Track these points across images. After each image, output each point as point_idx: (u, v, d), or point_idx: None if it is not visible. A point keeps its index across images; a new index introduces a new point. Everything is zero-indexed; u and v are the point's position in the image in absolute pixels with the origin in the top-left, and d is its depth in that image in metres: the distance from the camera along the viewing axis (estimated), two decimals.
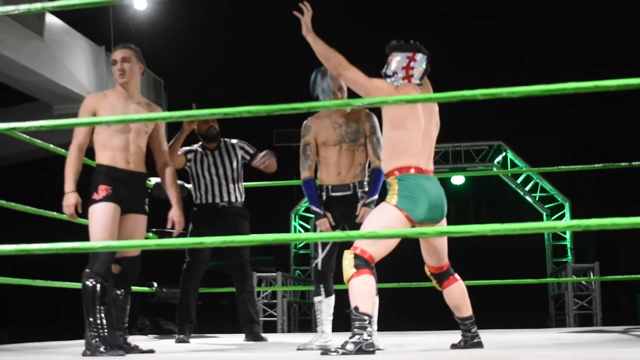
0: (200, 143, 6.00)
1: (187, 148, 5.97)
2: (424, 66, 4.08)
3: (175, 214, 4.54)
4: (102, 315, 4.19)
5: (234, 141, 6.03)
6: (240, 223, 5.90)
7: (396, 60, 4.05)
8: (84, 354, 4.12)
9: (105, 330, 4.18)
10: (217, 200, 5.89)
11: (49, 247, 2.69)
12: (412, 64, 4.04)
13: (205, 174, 5.90)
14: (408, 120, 3.97)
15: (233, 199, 5.91)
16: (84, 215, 4.35)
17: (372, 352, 3.67)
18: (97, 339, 4.11)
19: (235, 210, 5.92)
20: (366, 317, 3.68)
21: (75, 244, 2.87)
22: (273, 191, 9.31)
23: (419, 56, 4.06)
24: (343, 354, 3.62)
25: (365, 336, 3.64)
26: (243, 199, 5.99)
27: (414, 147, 3.97)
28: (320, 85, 4.70)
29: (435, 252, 4.13)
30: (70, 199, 4.28)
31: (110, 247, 3.98)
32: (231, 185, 5.91)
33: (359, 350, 3.63)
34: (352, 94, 4.48)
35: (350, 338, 3.66)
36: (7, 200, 5.32)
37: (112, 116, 4.31)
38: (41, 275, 5.79)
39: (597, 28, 14.74)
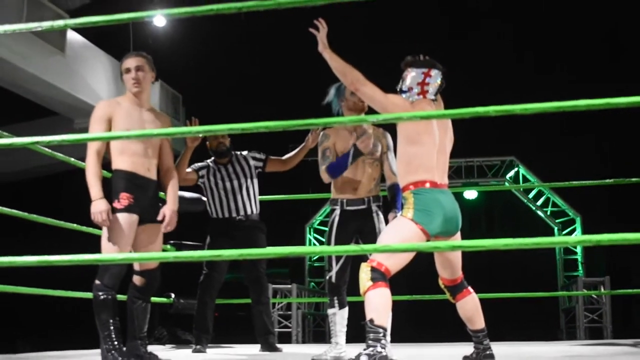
0: (212, 158, 6.06)
1: (200, 164, 6.02)
2: (439, 82, 4.10)
3: (167, 209, 4.45)
4: (115, 327, 4.17)
5: (244, 153, 6.10)
6: (257, 236, 5.96)
7: (411, 76, 4.08)
8: None
9: (120, 342, 4.18)
10: (234, 214, 5.95)
11: (69, 258, 2.68)
12: (427, 79, 4.07)
13: (219, 188, 5.95)
14: (423, 136, 3.99)
15: (249, 212, 5.97)
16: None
17: None
18: (114, 352, 4.11)
19: (253, 224, 5.98)
20: (381, 330, 3.66)
21: (97, 255, 2.90)
22: (288, 204, 9.35)
23: (434, 72, 4.08)
24: None
25: (379, 348, 3.62)
26: (258, 211, 6.04)
27: (429, 162, 3.99)
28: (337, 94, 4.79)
29: (450, 265, 4.14)
30: (101, 205, 4.14)
31: (130, 259, 3.96)
32: (246, 198, 5.96)
33: None
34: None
35: (364, 350, 3.63)
36: (28, 213, 5.40)
37: (128, 122, 4.33)
38: (61, 282, 5.84)
39: (597, 28, 14.70)
